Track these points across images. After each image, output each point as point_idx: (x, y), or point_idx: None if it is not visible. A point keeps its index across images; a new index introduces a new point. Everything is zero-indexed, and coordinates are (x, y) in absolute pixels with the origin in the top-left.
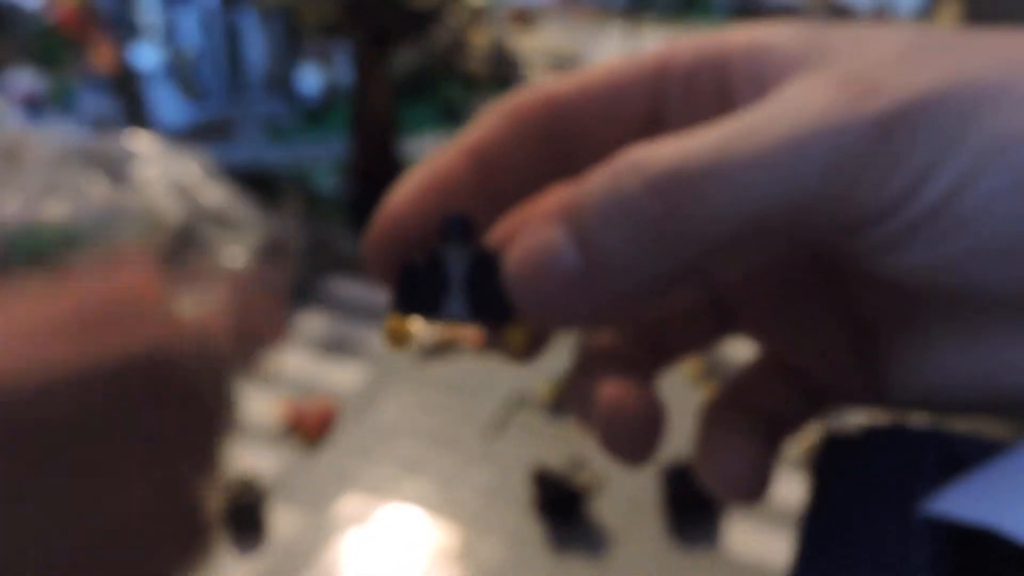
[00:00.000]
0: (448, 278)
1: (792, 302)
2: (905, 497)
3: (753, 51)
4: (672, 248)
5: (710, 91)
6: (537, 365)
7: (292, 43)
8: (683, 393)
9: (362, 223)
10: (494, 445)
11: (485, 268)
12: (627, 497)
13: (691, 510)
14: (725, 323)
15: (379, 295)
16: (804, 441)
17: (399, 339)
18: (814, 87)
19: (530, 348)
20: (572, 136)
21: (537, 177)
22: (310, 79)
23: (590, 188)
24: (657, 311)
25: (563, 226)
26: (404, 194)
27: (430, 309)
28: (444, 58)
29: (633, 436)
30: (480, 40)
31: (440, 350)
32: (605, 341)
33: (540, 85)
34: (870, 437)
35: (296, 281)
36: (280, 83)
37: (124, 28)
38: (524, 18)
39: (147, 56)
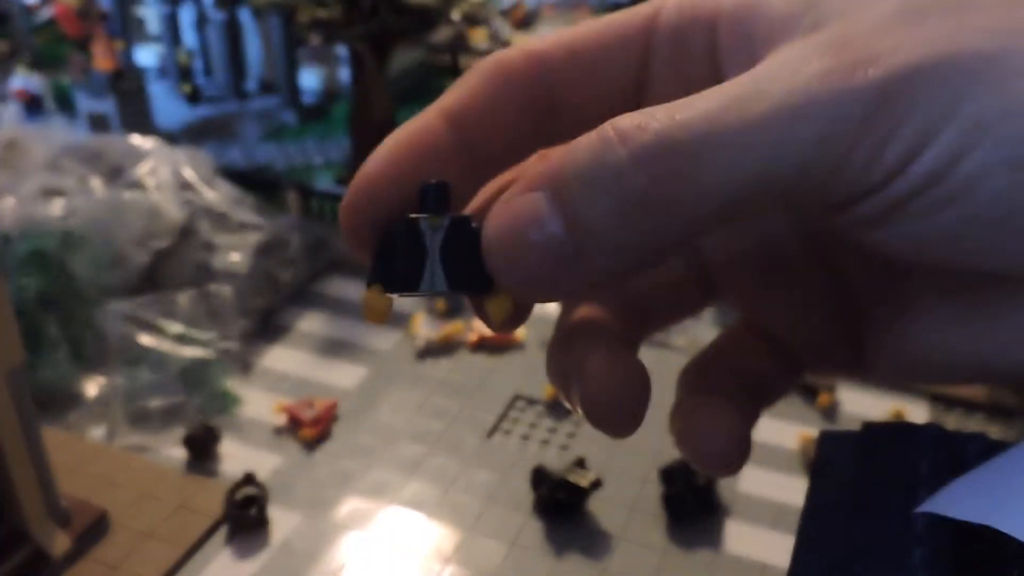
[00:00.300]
0: (425, 248)
1: (777, 274)
2: (904, 496)
3: (742, 10)
4: (658, 220)
5: (697, 52)
6: (538, 365)
7: (292, 43)
8: None
9: None
10: (494, 445)
11: (464, 237)
12: (627, 497)
13: (691, 510)
14: (708, 293)
15: None
16: (803, 440)
17: (377, 312)
18: (806, 54)
19: (512, 318)
20: (557, 98)
21: (520, 141)
22: (310, 79)
23: (575, 155)
24: (638, 281)
25: (545, 194)
26: (380, 159)
27: (408, 281)
28: (443, 58)
29: (619, 408)
30: (480, 40)
31: (440, 350)
32: (587, 311)
33: (523, 44)
34: (869, 436)
35: (296, 281)
36: (280, 83)
37: (124, 28)
38: (523, 18)
39: (147, 56)
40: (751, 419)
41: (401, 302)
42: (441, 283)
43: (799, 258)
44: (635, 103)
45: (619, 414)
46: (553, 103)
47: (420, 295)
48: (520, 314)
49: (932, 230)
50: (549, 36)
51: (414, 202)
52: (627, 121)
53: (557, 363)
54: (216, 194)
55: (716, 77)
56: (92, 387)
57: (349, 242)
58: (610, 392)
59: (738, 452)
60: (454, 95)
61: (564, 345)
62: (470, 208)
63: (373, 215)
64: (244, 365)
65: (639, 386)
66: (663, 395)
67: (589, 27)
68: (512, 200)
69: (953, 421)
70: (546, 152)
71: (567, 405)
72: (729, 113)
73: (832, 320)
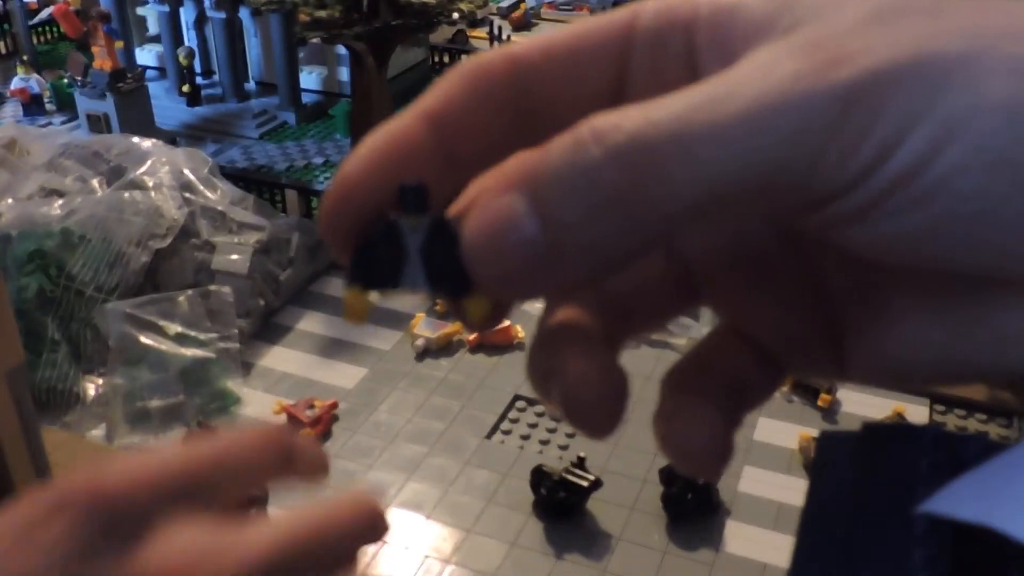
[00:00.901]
0: (405, 248)
1: (755, 275)
2: (904, 496)
3: (719, 13)
4: (635, 219)
5: (676, 54)
6: None
7: (292, 43)
8: None
9: None
10: (494, 445)
11: (442, 238)
12: (627, 497)
13: (691, 510)
14: (688, 295)
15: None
16: (803, 440)
17: (357, 312)
18: (779, 55)
19: (491, 318)
20: (536, 100)
21: (500, 143)
22: (310, 79)
23: (550, 155)
24: (619, 282)
25: (522, 194)
26: (359, 161)
27: (387, 280)
28: (443, 58)
29: (599, 411)
30: (479, 40)
31: (440, 350)
32: (569, 313)
33: (503, 47)
34: (868, 436)
35: (296, 281)
36: (280, 83)
37: (124, 28)
38: (523, 19)
39: (147, 56)
40: (733, 422)
41: (402, 302)
42: (421, 282)
43: (777, 259)
44: (613, 106)
45: (597, 415)
46: (531, 106)
47: (399, 293)
48: (499, 313)
49: (908, 228)
50: (528, 39)
51: (393, 203)
52: (601, 121)
53: (537, 363)
54: (216, 194)
55: (694, 79)
56: (92, 387)
57: (329, 243)
58: (588, 394)
59: (720, 454)
60: (433, 97)
61: (544, 346)
62: (452, 210)
63: (352, 216)
64: (244, 365)
65: (617, 388)
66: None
67: (567, 31)
68: (489, 201)
69: (953, 421)
70: (522, 154)
71: (546, 406)
72: (701, 113)
73: (811, 321)
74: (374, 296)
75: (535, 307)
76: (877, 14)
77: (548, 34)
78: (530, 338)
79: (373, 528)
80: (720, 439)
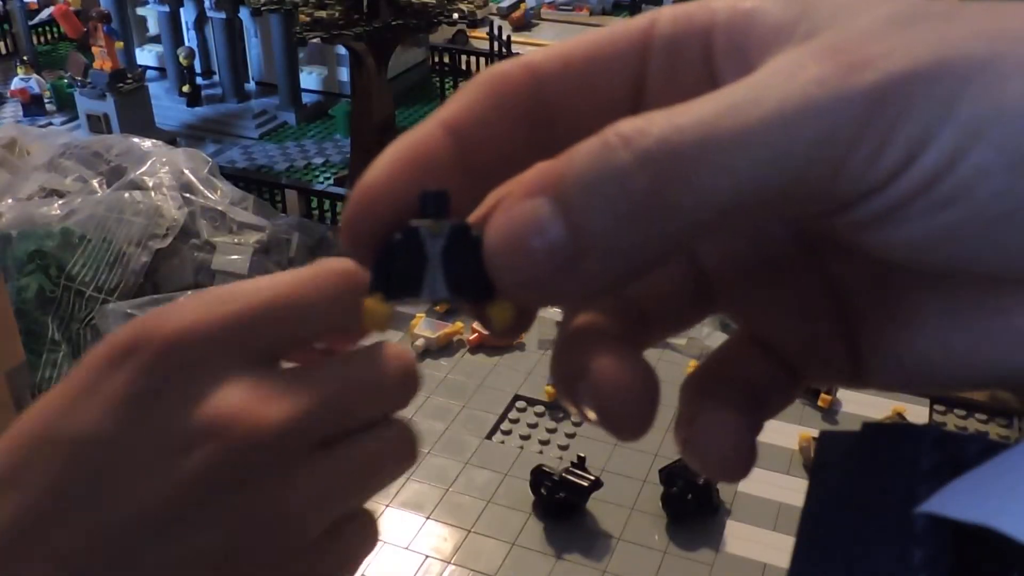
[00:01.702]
0: (426, 255)
1: (773, 281)
2: (904, 496)
3: (736, 19)
4: (660, 224)
5: (693, 60)
6: (538, 366)
7: (292, 43)
8: None
9: None
10: (494, 445)
11: (464, 243)
12: (627, 497)
13: (691, 510)
14: (705, 301)
15: None
16: (803, 440)
17: (378, 319)
18: (801, 60)
19: (515, 325)
20: (554, 110)
21: (519, 152)
22: (310, 79)
23: (575, 160)
24: (637, 288)
25: (547, 198)
26: (380, 170)
27: (409, 288)
28: (443, 58)
29: (633, 410)
30: (479, 40)
31: (440, 350)
32: (589, 317)
33: (522, 58)
34: (868, 436)
35: None
36: (280, 83)
37: (124, 28)
38: (523, 18)
39: (147, 56)
40: (755, 427)
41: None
42: (442, 290)
43: (795, 265)
44: (631, 114)
45: (632, 416)
46: (550, 115)
47: (421, 301)
48: (523, 320)
49: (931, 232)
50: (546, 49)
51: (414, 213)
52: (628, 125)
53: (563, 367)
54: (216, 194)
55: (712, 86)
56: None
57: (351, 252)
58: (622, 394)
59: (744, 460)
60: (453, 106)
61: (570, 348)
62: (472, 218)
63: (373, 225)
64: None
65: (650, 387)
66: (664, 395)
67: (585, 39)
68: (512, 206)
69: (953, 421)
70: (543, 164)
71: (572, 411)
72: (726, 119)
73: (828, 327)
74: (394, 304)
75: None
76: (894, 19)
77: (566, 43)
78: (537, 341)
79: (406, 384)
80: (743, 445)
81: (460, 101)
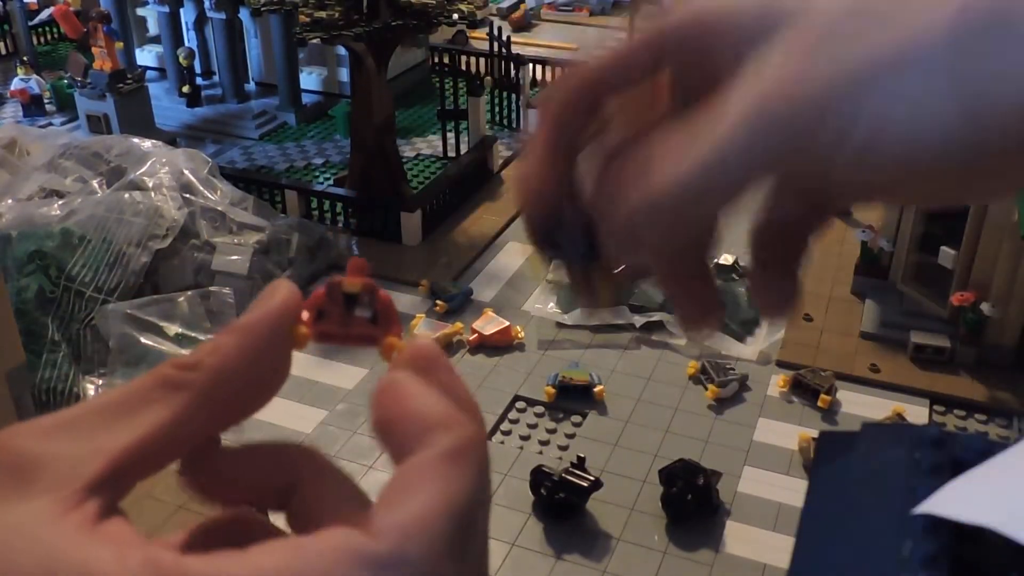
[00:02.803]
0: (576, 232)
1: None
2: (903, 496)
3: (723, 21)
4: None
5: (698, 62)
6: (537, 366)
7: (292, 43)
8: (683, 394)
9: (362, 224)
10: (494, 446)
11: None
12: (627, 497)
13: (691, 510)
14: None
15: None
16: (803, 440)
17: (539, 269)
18: (760, 69)
19: (613, 300)
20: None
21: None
22: (310, 80)
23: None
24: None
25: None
26: (535, 170)
27: (564, 252)
28: (443, 59)
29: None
30: (479, 41)
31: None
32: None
33: (579, 64)
34: (868, 436)
35: (296, 281)
36: (280, 84)
37: (124, 29)
38: (522, 19)
39: (147, 56)
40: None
41: (401, 303)
42: (585, 255)
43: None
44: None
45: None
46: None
47: (568, 262)
48: (618, 297)
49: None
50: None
51: (568, 194)
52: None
53: (761, 279)
54: (216, 195)
55: (715, 86)
56: (92, 388)
57: (527, 229)
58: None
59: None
60: (548, 118)
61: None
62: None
63: (539, 211)
64: None
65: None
66: (663, 395)
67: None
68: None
69: (953, 421)
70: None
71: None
72: (692, 176)
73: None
74: (547, 264)
75: (534, 307)
76: (855, 12)
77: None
78: (536, 342)
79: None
80: (794, 292)
81: (551, 113)
